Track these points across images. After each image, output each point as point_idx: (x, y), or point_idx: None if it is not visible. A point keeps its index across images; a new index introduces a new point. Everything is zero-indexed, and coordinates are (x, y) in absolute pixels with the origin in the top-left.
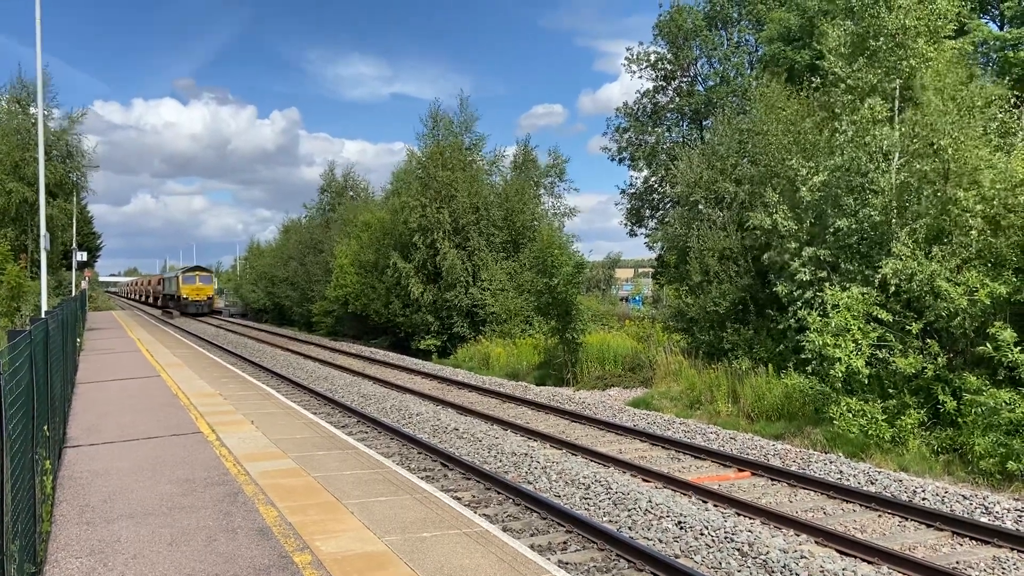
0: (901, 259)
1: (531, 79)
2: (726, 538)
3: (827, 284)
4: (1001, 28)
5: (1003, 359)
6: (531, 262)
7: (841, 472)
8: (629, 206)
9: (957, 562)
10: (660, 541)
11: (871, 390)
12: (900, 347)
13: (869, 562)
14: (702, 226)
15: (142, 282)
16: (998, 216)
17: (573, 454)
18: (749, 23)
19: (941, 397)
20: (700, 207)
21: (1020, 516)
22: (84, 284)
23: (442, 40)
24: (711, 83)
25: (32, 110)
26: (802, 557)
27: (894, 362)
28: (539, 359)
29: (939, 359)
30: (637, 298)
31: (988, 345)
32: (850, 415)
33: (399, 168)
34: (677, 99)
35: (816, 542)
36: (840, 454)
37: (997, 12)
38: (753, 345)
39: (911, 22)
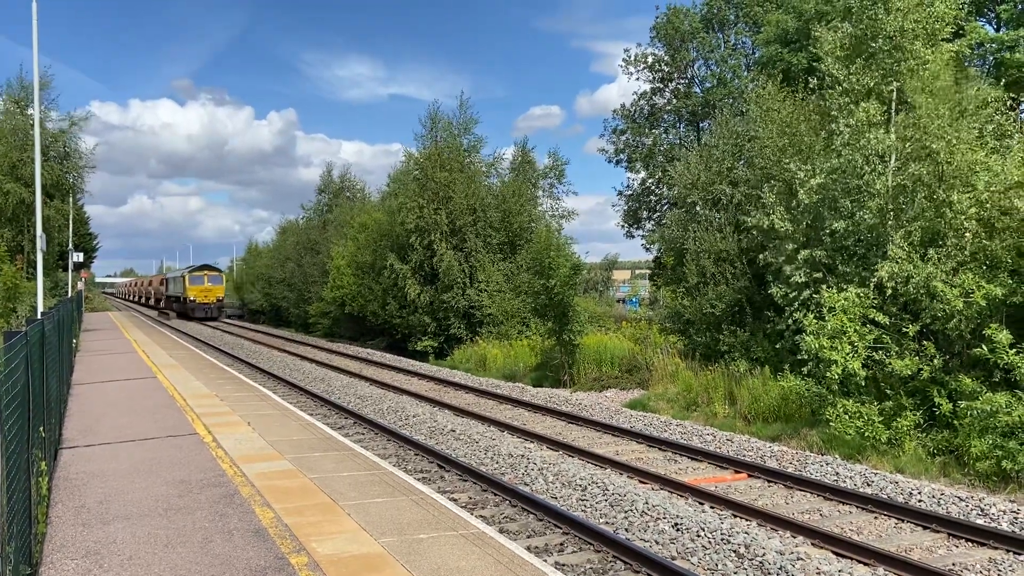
0: (897, 262)
1: (529, 81)
2: (723, 540)
3: (824, 286)
4: (998, 30)
5: (999, 361)
6: (528, 263)
7: (837, 474)
8: (626, 208)
9: (953, 564)
10: (657, 543)
11: (867, 392)
12: (896, 349)
13: (865, 564)
14: (699, 228)
15: (141, 282)
16: (992, 219)
17: (570, 455)
18: (746, 25)
19: (937, 399)
20: (697, 209)
21: (1016, 518)
22: (80, 285)
23: (440, 42)
24: (708, 85)
25: (30, 111)
26: (799, 559)
27: (890, 364)
28: (536, 361)
29: (935, 361)
30: (634, 300)
31: (984, 347)
32: (846, 417)
33: (396, 169)
34: (674, 101)
35: (813, 544)
36: (836, 456)
37: (993, 15)
38: (750, 347)
39: (909, 25)
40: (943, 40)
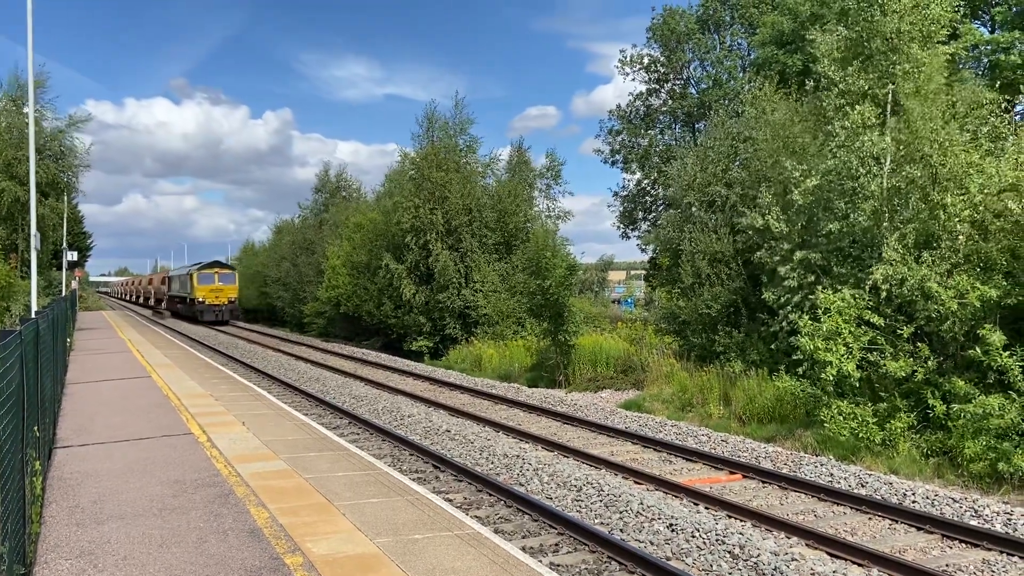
0: (892, 264)
1: (525, 81)
2: (717, 540)
3: (819, 287)
4: (992, 32)
5: (992, 363)
6: (524, 264)
7: (832, 475)
8: (622, 208)
9: (947, 565)
10: (651, 543)
11: (862, 393)
12: (891, 351)
13: (860, 565)
14: (694, 229)
15: (139, 281)
16: (986, 222)
17: (565, 456)
18: (741, 27)
19: (931, 401)
20: (693, 210)
21: (1009, 519)
22: (74, 284)
23: (436, 42)
24: (704, 86)
25: (26, 109)
26: (793, 559)
27: (885, 365)
28: (531, 361)
29: (929, 363)
30: (629, 300)
31: (977, 349)
32: (841, 418)
33: (392, 169)
34: (670, 102)
35: (807, 544)
36: (831, 457)
37: (988, 17)
38: (745, 348)
39: (905, 27)
40: (939, 42)
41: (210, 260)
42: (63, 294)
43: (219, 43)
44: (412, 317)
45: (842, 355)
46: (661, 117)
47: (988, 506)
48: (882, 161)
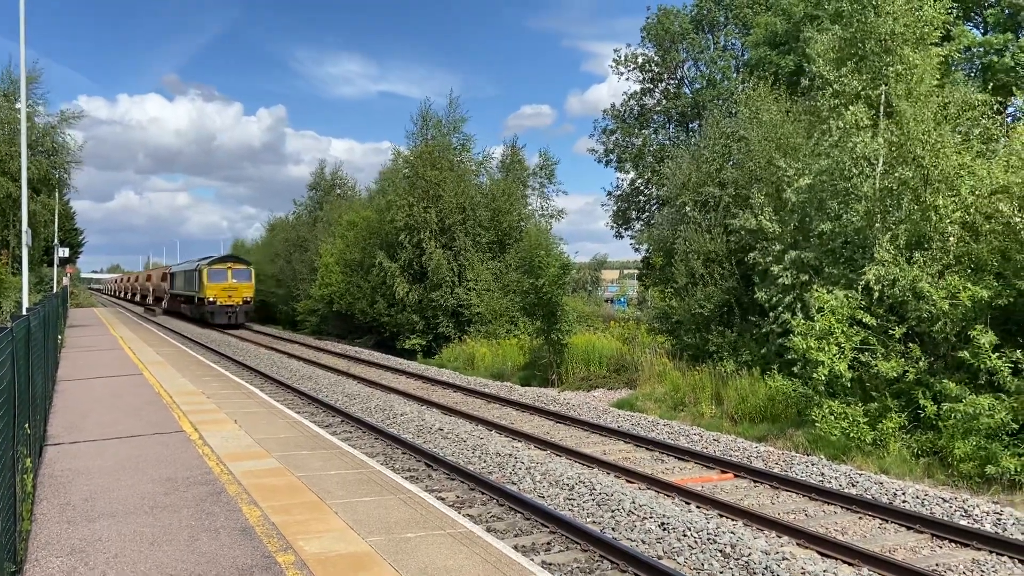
0: (884, 265)
1: (519, 80)
2: (709, 539)
3: (812, 287)
4: (985, 34)
5: (982, 364)
6: (517, 262)
7: (823, 474)
8: (615, 208)
9: (937, 564)
10: (643, 542)
11: (853, 393)
12: (883, 351)
13: (850, 564)
14: (688, 229)
15: (135, 278)
16: (977, 223)
17: (557, 455)
18: (735, 27)
19: (922, 401)
20: (687, 210)
21: (999, 519)
22: (66, 281)
23: (431, 39)
24: (698, 86)
25: (18, 105)
26: (784, 559)
27: (876, 366)
28: (524, 360)
29: (920, 363)
30: (622, 300)
31: (968, 351)
32: (832, 418)
33: (386, 167)
34: (664, 102)
35: (798, 544)
36: (822, 456)
37: (980, 19)
38: (737, 348)
39: (899, 28)
40: (932, 44)
41: (222, 255)
42: (54, 291)
43: (213, 39)
44: (405, 315)
45: (834, 355)
46: (655, 117)
47: (978, 506)
48: (874, 162)
